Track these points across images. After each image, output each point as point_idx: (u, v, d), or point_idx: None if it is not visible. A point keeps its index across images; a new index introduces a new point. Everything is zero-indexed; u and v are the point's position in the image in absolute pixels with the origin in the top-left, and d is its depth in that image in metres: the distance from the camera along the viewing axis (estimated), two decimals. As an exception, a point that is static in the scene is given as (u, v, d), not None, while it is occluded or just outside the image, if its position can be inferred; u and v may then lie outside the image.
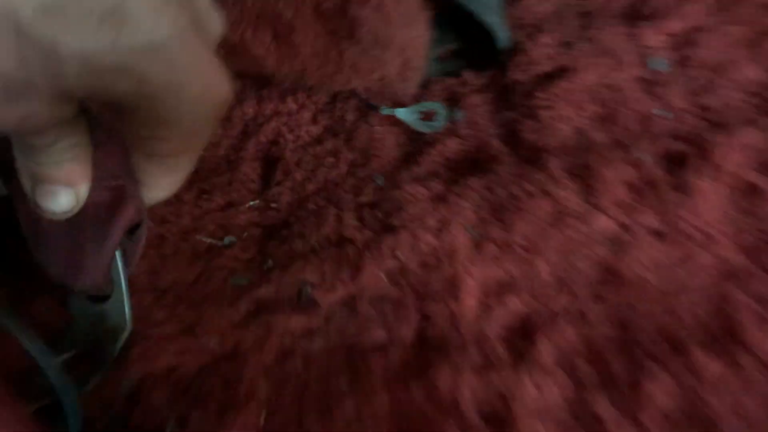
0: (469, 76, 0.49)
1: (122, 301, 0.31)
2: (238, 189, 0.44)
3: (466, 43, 0.52)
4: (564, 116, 0.43)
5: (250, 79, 0.49)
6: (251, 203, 0.44)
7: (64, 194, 0.27)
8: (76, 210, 0.28)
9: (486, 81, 0.48)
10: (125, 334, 0.32)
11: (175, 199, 0.42)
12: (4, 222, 0.31)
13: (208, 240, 0.41)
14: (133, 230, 0.30)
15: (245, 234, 0.42)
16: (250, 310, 0.38)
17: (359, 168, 0.44)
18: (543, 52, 0.48)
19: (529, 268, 0.36)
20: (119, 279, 0.31)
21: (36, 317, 0.34)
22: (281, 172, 0.45)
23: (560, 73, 0.46)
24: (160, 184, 0.29)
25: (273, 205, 0.44)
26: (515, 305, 0.35)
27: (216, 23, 0.26)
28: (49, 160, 0.26)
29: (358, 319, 0.36)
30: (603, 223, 0.37)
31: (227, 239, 0.42)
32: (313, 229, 0.41)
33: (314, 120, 0.47)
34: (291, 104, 0.48)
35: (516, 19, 0.51)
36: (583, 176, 0.40)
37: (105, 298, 0.32)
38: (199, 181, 0.44)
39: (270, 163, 0.46)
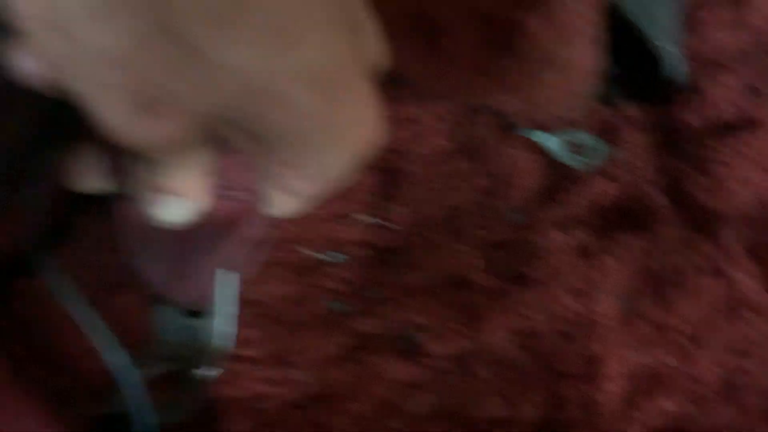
0: (628, 107, 0.43)
1: (226, 320, 0.28)
2: (353, 199, 0.40)
3: (627, 68, 0.46)
4: (744, 178, 0.37)
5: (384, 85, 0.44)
6: (366, 218, 0.39)
7: (179, 206, 0.24)
8: (187, 218, 0.24)
9: (649, 117, 0.42)
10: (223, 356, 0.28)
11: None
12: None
13: (314, 254, 0.37)
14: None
15: (354, 252, 0.38)
16: (348, 345, 0.34)
17: (492, 198, 0.39)
18: (724, 96, 0.41)
19: (690, 363, 0.30)
20: (227, 296, 0.27)
21: (117, 326, 0.30)
22: (404, 188, 0.40)
23: (743, 124, 0.40)
24: (280, 207, 0.25)
25: (388, 224, 0.39)
26: (667, 406, 0.29)
27: (376, 52, 0.23)
28: (166, 171, 0.22)
29: (473, 383, 0.31)
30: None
31: (334, 255, 0.38)
32: (430, 263, 0.36)
33: (445, 134, 0.42)
34: (422, 112, 0.43)
35: (693, 51, 0.44)
36: (762, 257, 0.33)
37: (199, 313, 0.28)
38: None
39: (389, 174, 0.41)
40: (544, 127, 0.42)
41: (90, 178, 0.25)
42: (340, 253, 0.38)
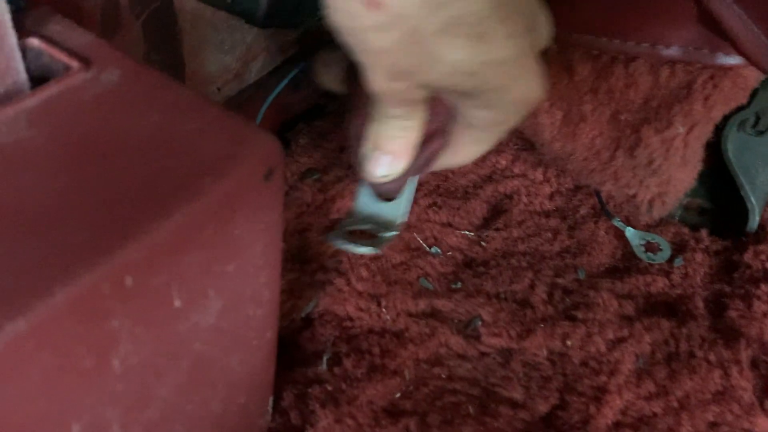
0: (704, 234, 0.51)
1: (403, 204, 0.41)
2: (462, 216, 0.50)
3: (717, 206, 0.54)
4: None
5: (517, 136, 0.54)
6: (466, 232, 0.49)
7: (385, 163, 0.35)
8: (388, 179, 0.36)
9: (717, 247, 0.50)
10: (399, 226, 0.41)
11: (413, 199, 0.49)
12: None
13: (421, 241, 0.47)
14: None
15: (449, 253, 0.48)
16: (426, 311, 0.43)
17: (569, 255, 0.48)
18: (785, 253, 0.48)
19: (673, 422, 0.37)
20: (408, 191, 0.41)
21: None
22: (503, 222, 0.50)
23: (792, 279, 0.46)
24: (463, 152, 0.38)
25: (482, 243, 0.49)
26: (645, 443, 0.37)
27: (546, 36, 0.34)
28: (388, 132, 0.34)
29: (506, 371, 0.40)
30: (765, 427, 0.38)
31: (434, 249, 0.48)
32: (506, 280, 0.45)
33: (551, 197, 0.52)
34: (539, 174, 0.53)
35: (775, 212, 0.52)
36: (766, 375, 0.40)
37: (389, 199, 0.41)
38: (437, 194, 0.50)
39: (497, 210, 0.51)
40: (632, 224, 0.51)
41: (330, 78, 0.37)
42: (440, 250, 0.48)
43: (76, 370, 0.20)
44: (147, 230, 0.21)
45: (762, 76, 0.41)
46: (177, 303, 0.23)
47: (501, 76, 0.32)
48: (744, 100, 0.41)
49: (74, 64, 0.26)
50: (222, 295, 0.25)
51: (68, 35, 0.27)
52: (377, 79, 0.31)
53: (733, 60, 0.39)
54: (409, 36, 0.29)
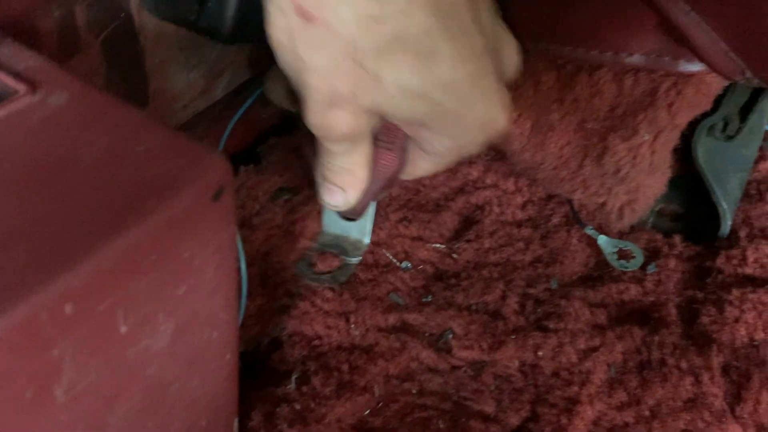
0: (677, 240, 0.51)
1: (366, 225, 0.44)
2: (432, 229, 0.49)
3: (689, 212, 0.54)
4: (748, 323, 0.44)
5: (488, 147, 0.54)
6: (436, 245, 0.49)
7: (337, 195, 0.35)
8: (344, 208, 0.37)
9: (690, 253, 0.50)
10: (364, 247, 0.45)
11: (384, 214, 0.48)
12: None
13: (391, 257, 0.47)
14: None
15: (420, 266, 0.48)
16: (396, 326, 0.43)
17: (541, 264, 0.48)
18: (758, 258, 0.48)
19: (643, 430, 0.37)
20: (370, 212, 0.43)
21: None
22: (474, 233, 0.49)
23: (765, 284, 0.46)
24: (421, 167, 0.38)
25: (454, 255, 0.48)
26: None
27: (514, 62, 0.33)
28: (333, 167, 0.34)
29: (477, 384, 0.40)
30: (735, 434, 0.37)
31: (405, 263, 0.47)
32: (477, 291, 0.45)
33: (523, 207, 0.52)
34: (511, 184, 0.53)
35: (746, 217, 0.52)
36: (739, 385, 0.40)
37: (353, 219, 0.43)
38: (407, 209, 0.50)
39: (469, 221, 0.51)
40: (605, 232, 0.51)
41: (279, 96, 0.37)
42: (410, 264, 0.48)
43: (16, 401, 0.20)
44: (87, 255, 0.20)
45: (725, 82, 0.41)
46: (123, 329, 0.22)
47: (453, 100, 0.30)
48: (708, 106, 0.41)
49: (21, 87, 0.26)
50: (173, 318, 0.25)
51: (16, 59, 0.27)
52: (316, 109, 0.30)
53: (695, 67, 0.39)
54: (347, 54, 0.28)
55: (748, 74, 0.38)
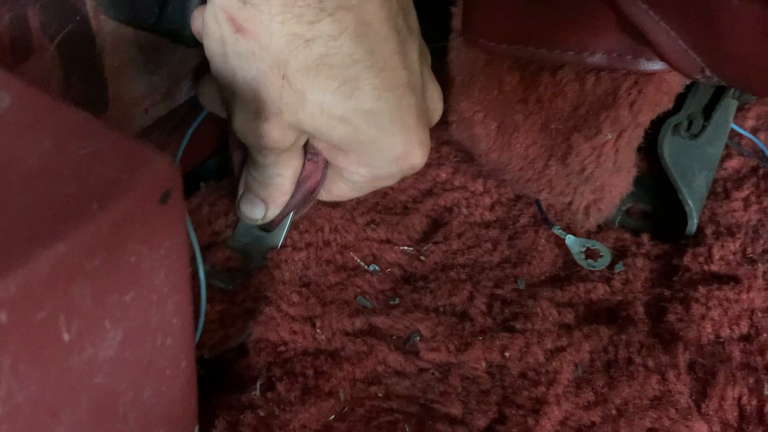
0: (645, 239, 0.51)
1: (280, 236, 0.43)
2: (401, 232, 0.49)
3: (658, 210, 0.54)
4: (714, 320, 0.44)
5: (457, 149, 0.54)
6: (405, 248, 0.49)
7: (258, 207, 0.36)
8: (262, 222, 0.39)
9: (658, 252, 0.50)
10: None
11: (350, 217, 0.48)
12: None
13: (358, 260, 0.47)
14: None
15: (388, 269, 0.47)
16: (363, 329, 0.42)
17: (509, 265, 0.47)
18: (723, 256, 0.49)
19: (610, 429, 0.37)
20: (286, 223, 0.42)
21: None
22: (442, 235, 0.49)
23: (731, 281, 0.47)
24: (338, 190, 0.38)
25: (422, 257, 0.48)
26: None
27: (438, 109, 0.34)
28: (260, 178, 0.34)
29: (444, 386, 0.39)
30: (701, 430, 0.37)
31: (372, 266, 0.47)
32: (445, 293, 0.45)
33: (492, 208, 0.52)
34: (479, 186, 0.53)
35: (713, 215, 0.52)
36: (705, 382, 0.40)
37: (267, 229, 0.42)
38: (375, 212, 0.50)
39: (437, 223, 0.51)
40: (573, 231, 0.51)
41: (210, 101, 0.37)
42: (378, 266, 0.47)
43: (-50, 414, 0.19)
44: (22, 262, 0.20)
45: (686, 81, 0.42)
46: (67, 336, 0.22)
47: (372, 129, 0.31)
48: (669, 105, 0.42)
49: (-39, 90, 0.25)
50: (121, 325, 0.24)
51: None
52: (243, 119, 0.31)
53: (656, 66, 0.40)
54: (276, 69, 0.28)
55: (708, 72, 0.39)
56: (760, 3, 0.32)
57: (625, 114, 0.40)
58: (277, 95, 0.29)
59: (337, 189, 0.39)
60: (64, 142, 0.24)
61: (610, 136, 0.41)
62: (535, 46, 0.41)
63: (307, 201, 0.40)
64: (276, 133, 0.32)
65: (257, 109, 0.30)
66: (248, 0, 0.28)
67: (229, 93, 0.31)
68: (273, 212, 0.38)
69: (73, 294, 0.22)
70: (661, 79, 0.40)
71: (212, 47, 0.29)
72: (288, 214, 0.40)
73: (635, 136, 0.42)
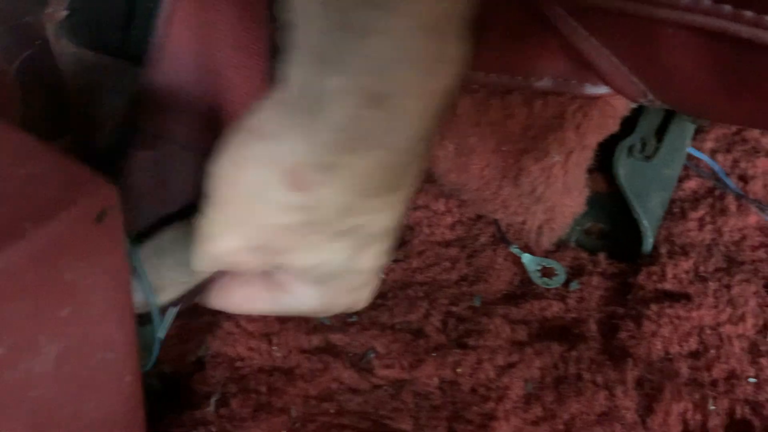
0: (601, 258, 0.52)
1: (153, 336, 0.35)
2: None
3: (615, 230, 0.55)
4: (664, 337, 0.45)
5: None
6: (367, 265, 0.50)
7: (208, 262, 0.32)
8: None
9: (614, 270, 0.51)
10: (148, 365, 0.35)
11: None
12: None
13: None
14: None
15: (349, 286, 0.48)
16: (320, 346, 0.43)
17: (466, 283, 0.48)
18: (676, 274, 0.50)
19: (560, 445, 0.38)
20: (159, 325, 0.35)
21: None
22: (403, 253, 0.50)
23: (681, 299, 0.48)
24: (247, 307, 0.34)
25: (382, 275, 0.49)
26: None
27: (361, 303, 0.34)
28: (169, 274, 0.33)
29: (397, 401, 0.40)
30: (646, 445, 0.38)
31: (333, 282, 0.48)
32: (401, 311, 0.46)
33: (453, 227, 0.53)
34: (441, 205, 0.54)
35: (668, 234, 0.53)
36: (651, 397, 0.41)
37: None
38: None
39: (399, 242, 0.52)
40: (530, 251, 0.52)
41: None
42: (338, 284, 0.48)
43: None
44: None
45: (630, 104, 0.43)
46: (0, 351, 0.23)
47: (337, 280, 0.31)
48: (615, 128, 0.43)
49: None
50: (57, 341, 0.25)
51: None
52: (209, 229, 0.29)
53: (600, 90, 0.41)
54: (312, 226, 0.28)
55: (650, 96, 0.40)
56: (692, 30, 0.34)
57: (571, 136, 0.41)
58: (292, 244, 0.28)
59: (251, 301, 0.34)
60: (2, 162, 0.25)
61: (557, 158, 0.42)
62: (485, 71, 0.42)
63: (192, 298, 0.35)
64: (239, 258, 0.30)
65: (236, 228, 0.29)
66: (326, 166, 0.26)
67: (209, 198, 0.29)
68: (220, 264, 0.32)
69: (6, 310, 0.22)
70: (606, 103, 0.41)
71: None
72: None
73: (583, 158, 0.44)
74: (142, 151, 0.37)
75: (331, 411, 0.39)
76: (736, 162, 0.60)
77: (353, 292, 0.32)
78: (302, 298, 0.32)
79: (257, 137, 0.26)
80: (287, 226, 0.27)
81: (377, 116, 0.25)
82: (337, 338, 0.44)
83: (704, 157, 0.59)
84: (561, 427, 0.39)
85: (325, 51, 0.25)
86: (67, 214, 0.23)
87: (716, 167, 0.58)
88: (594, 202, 0.52)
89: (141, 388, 0.31)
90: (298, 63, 0.25)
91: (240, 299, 0.33)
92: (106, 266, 0.26)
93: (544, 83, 0.41)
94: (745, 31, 0.30)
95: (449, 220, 0.53)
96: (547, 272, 0.50)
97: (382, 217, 0.29)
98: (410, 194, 0.30)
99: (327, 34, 0.24)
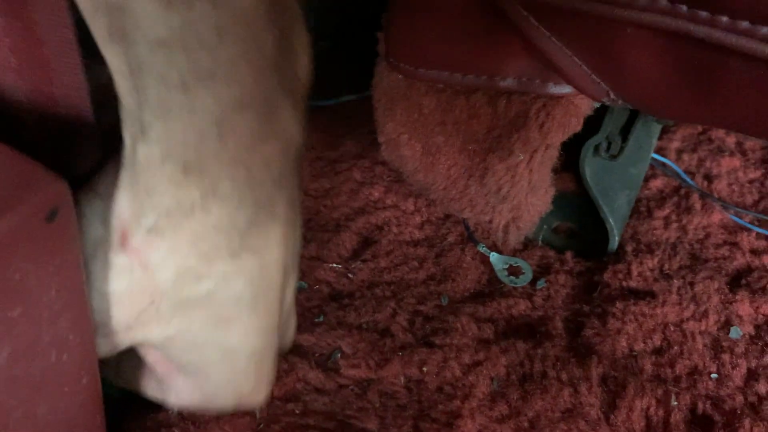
0: (568, 256, 0.53)
1: None
2: (330, 249, 0.50)
3: (583, 228, 0.56)
4: (628, 334, 0.45)
5: (390, 168, 0.55)
6: (334, 265, 0.50)
7: None
8: None
9: (580, 269, 0.52)
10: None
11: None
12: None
13: (286, 275, 0.47)
14: None
15: (316, 287, 0.48)
16: (285, 347, 0.43)
17: (434, 282, 0.49)
18: (641, 272, 0.50)
19: (524, 442, 0.38)
20: None
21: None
22: (371, 252, 0.50)
23: (646, 297, 0.48)
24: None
25: (350, 275, 0.49)
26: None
27: (291, 337, 0.35)
28: None
29: (362, 401, 0.40)
30: (609, 441, 0.39)
31: (300, 283, 0.48)
32: (369, 311, 0.46)
33: (421, 226, 0.53)
34: (410, 205, 0.54)
35: (634, 233, 0.54)
36: (615, 394, 0.42)
37: None
38: (307, 229, 0.51)
39: (367, 241, 0.52)
40: (498, 250, 0.52)
41: None
42: (306, 283, 0.48)
43: None
44: None
45: (594, 103, 0.43)
46: (-55, 352, 0.22)
47: (228, 365, 0.30)
48: (579, 127, 0.43)
49: None
50: (7, 341, 0.24)
51: None
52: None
53: (564, 89, 0.41)
54: (148, 295, 0.27)
55: (613, 95, 0.41)
56: (651, 30, 0.34)
57: (535, 135, 0.42)
58: (134, 314, 0.28)
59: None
60: (-47, 161, 0.24)
61: (522, 157, 0.42)
62: (449, 70, 0.43)
63: None
64: (106, 348, 0.29)
65: (104, 320, 0.28)
66: (154, 229, 0.25)
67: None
68: None
69: (-49, 310, 0.22)
70: (569, 102, 0.42)
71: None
72: None
73: (548, 157, 0.44)
74: None
75: (296, 411, 0.39)
76: (701, 161, 0.61)
77: (234, 383, 0.30)
78: (181, 394, 0.31)
79: (94, 194, 0.27)
80: (130, 300, 0.27)
81: (194, 183, 0.25)
82: (303, 339, 0.43)
83: (667, 161, 0.60)
84: (526, 424, 0.39)
85: (144, 119, 0.24)
86: (15, 212, 0.23)
87: (679, 170, 0.59)
88: (561, 201, 0.53)
89: (100, 390, 0.31)
90: (125, 124, 0.25)
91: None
92: (59, 266, 0.25)
93: (509, 83, 0.42)
94: (700, 30, 0.31)
95: (418, 219, 0.53)
96: (514, 271, 0.50)
97: (239, 284, 0.27)
98: (285, 260, 0.28)
99: (144, 104, 0.24)
